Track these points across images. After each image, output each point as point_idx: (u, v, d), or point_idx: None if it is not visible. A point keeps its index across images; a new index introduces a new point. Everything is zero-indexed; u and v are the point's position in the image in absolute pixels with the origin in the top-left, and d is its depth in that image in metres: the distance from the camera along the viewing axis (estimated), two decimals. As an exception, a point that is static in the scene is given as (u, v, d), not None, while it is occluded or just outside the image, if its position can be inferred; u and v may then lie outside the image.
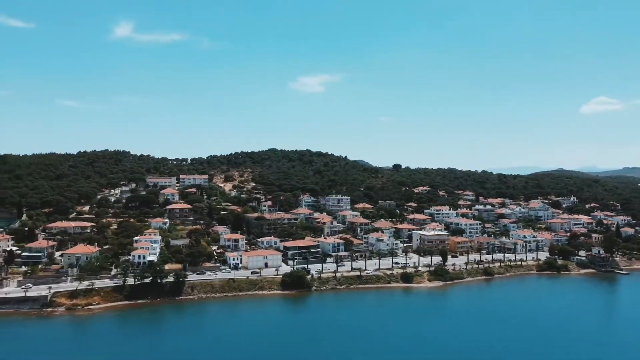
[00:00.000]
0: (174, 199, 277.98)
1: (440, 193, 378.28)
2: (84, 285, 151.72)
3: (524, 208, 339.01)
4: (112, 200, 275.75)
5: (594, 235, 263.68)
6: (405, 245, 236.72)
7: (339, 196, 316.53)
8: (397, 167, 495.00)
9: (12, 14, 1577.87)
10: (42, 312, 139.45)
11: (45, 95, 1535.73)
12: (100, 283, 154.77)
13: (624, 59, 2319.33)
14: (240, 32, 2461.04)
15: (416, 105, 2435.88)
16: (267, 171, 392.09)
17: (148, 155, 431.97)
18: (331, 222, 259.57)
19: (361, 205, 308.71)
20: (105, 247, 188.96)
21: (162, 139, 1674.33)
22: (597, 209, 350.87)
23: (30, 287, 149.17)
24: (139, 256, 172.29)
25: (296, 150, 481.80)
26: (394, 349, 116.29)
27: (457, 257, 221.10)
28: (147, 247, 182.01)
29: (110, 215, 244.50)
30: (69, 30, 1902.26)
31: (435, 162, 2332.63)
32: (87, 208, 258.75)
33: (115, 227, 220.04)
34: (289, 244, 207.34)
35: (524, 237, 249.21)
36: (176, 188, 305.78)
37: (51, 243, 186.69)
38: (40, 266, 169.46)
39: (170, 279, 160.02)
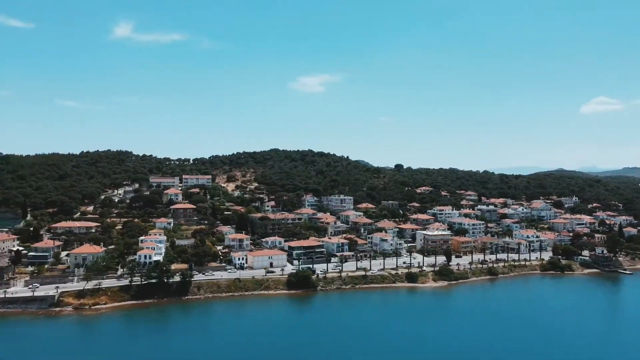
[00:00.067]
0: (177, 199, 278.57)
1: (443, 193, 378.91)
2: (91, 285, 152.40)
3: (526, 208, 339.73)
4: (116, 200, 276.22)
5: (596, 235, 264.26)
6: (408, 245, 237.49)
7: (341, 196, 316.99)
8: (399, 167, 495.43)
9: (12, 14, 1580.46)
10: (50, 311, 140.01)
11: (45, 95, 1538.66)
12: (106, 283, 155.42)
13: (624, 59, 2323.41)
14: (240, 32, 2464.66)
15: (416, 105, 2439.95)
16: (270, 171, 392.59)
17: (150, 156, 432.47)
18: (335, 222, 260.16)
19: (364, 205, 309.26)
20: (110, 247, 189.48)
21: (163, 139, 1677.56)
22: (599, 209, 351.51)
23: (38, 287, 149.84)
24: (145, 256, 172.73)
25: (298, 150, 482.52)
26: (396, 349, 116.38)
27: (460, 257, 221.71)
28: (153, 247, 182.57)
29: (114, 215, 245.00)
30: (68, 30, 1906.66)
31: (435, 162, 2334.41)
32: (91, 208, 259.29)
33: (120, 227, 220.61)
34: (293, 244, 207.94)
35: (527, 237, 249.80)
36: (179, 188, 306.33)
37: (57, 243, 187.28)
38: (46, 266, 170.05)
39: (177, 278, 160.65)
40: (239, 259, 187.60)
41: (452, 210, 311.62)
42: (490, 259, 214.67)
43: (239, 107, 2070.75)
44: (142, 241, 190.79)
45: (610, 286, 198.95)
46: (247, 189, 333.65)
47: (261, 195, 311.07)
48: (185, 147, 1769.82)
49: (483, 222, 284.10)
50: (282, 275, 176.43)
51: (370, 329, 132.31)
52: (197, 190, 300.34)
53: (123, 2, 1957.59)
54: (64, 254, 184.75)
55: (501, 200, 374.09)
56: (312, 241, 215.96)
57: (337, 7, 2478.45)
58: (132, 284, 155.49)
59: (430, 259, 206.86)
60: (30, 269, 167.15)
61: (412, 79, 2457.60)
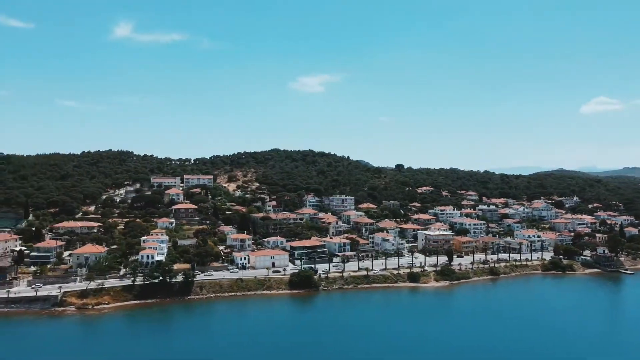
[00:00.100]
0: (179, 199, 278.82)
1: (444, 193, 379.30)
2: (93, 285, 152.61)
3: (527, 208, 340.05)
4: (118, 200, 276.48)
5: (597, 235, 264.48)
6: (410, 245, 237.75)
7: (343, 196, 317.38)
8: (399, 167, 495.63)
9: (12, 14, 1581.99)
10: (53, 311, 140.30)
11: (45, 96, 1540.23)
12: (109, 283, 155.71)
13: (624, 59, 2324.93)
14: (240, 32, 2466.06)
15: (416, 105, 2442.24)
16: (271, 171, 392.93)
17: (151, 156, 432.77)
18: (336, 222, 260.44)
19: (365, 205, 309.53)
20: (112, 247, 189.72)
21: (163, 139, 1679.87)
22: (600, 209, 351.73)
23: (40, 287, 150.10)
24: (148, 256, 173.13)
25: (299, 150, 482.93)
26: (398, 350, 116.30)
27: (462, 257, 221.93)
28: (155, 247, 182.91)
29: (116, 215, 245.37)
30: (68, 30, 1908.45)
31: (435, 162, 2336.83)
32: (92, 208, 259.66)
33: (122, 227, 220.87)
34: (295, 243, 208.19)
35: (529, 237, 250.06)
36: (181, 188, 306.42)
37: (59, 243, 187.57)
38: (49, 266, 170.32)
39: (179, 278, 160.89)
40: (241, 258, 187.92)
41: (454, 210, 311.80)
42: (491, 259, 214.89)
43: (239, 107, 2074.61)
44: (144, 241, 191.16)
45: (612, 286, 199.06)
46: (249, 189, 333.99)
47: (262, 195, 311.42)
48: (186, 147, 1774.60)
49: (484, 222, 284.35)
50: (285, 275, 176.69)
51: (372, 329, 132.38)
52: (198, 190, 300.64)
53: (123, 2, 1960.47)
54: (66, 254, 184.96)
55: (502, 200, 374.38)
56: (314, 241, 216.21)
57: (337, 7, 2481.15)
58: (135, 283, 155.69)
59: (432, 259, 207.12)
60: (32, 268, 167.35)
61: (412, 79, 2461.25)
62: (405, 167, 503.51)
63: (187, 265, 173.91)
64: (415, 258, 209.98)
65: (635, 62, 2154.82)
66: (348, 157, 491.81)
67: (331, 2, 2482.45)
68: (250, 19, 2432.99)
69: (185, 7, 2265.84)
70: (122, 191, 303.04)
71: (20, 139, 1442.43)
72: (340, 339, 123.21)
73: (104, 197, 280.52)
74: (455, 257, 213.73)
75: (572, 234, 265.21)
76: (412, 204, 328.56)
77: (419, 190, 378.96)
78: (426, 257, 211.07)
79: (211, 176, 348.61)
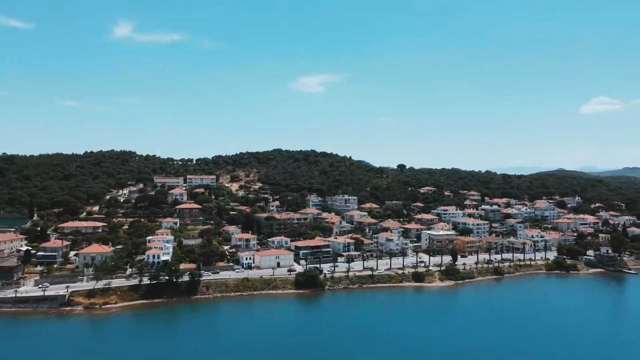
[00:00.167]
0: (182, 199, 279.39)
1: (446, 193, 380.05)
2: (100, 284, 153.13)
3: (529, 208, 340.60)
4: (121, 200, 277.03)
5: (600, 235, 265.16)
6: (414, 245, 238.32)
7: (346, 196, 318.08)
8: (401, 167, 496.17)
9: (12, 14, 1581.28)
10: (61, 311, 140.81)
11: (45, 96, 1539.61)
12: (116, 282, 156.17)
13: (624, 59, 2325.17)
14: (240, 32, 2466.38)
15: (416, 105, 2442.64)
16: (273, 171, 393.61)
17: (154, 156, 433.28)
18: (340, 222, 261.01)
19: (368, 205, 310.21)
20: (118, 247, 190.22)
21: (163, 139, 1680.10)
22: (602, 209, 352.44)
23: (47, 287, 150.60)
24: (153, 256, 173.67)
25: (301, 150, 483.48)
26: (402, 350, 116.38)
27: (466, 256, 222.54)
28: (161, 247, 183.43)
29: (120, 215, 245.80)
30: (68, 31, 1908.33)
31: (435, 162, 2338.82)
32: (96, 208, 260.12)
33: (127, 227, 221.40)
34: (300, 243, 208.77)
35: (532, 236, 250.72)
36: (184, 188, 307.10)
37: (65, 243, 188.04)
38: (55, 266, 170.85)
39: (186, 278, 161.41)
40: (246, 258, 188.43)
41: (456, 210, 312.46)
42: (495, 259, 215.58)
43: (239, 107, 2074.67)
44: (149, 241, 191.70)
45: (615, 286, 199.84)
46: (251, 189, 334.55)
47: (266, 195, 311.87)
48: (186, 147, 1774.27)
49: (487, 222, 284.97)
50: (290, 274, 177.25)
51: (377, 329, 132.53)
52: (201, 190, 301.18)
53: (123, 2, 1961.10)
54: (72, 253, 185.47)
55: (504, 200, 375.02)
56: (318, 241, 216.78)
57: (337, 7, 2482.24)
58: (142, 283, 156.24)
59: (436, 259, 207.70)
60: (39, 268, 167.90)
61: (412, 79, 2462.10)
62: (406, 167, 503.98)
63: (192, 265, 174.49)
64: (420, 258, 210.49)
65: (635, 62, 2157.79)
66: (350, 157, 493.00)
67: (331, 2, 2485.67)
68: (250, 19, 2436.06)
69: (185, 7, 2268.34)
70: (125, 191, 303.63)
71: (21, 139, 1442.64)
72: (346, 339, 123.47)
73: (108, 197, 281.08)
74: (459, 257, 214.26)
75: (575, 234, 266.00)
76: (415, 204, 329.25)
77: (422, 190, 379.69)
78: (430, 257, 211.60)
79: (214, 176, 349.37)
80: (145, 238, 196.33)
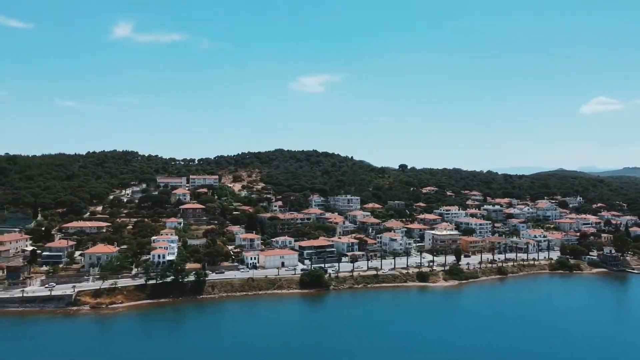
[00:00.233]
0: (185, 199, 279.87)
1: (448, 193, 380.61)
2: (107, 284, 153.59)
3: (532, 208, 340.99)
4: (125, 200, 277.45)
5: (603, 235, 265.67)
6: (417, 245, 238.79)
7: (348, 196, 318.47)
8: (403, 167, 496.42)
9: (11, 14, 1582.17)
10: (68, 310, 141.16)
11: (45, 96, 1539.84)
12: (121, 282, 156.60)
13: (624, 59, 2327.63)
14: (240, 32, 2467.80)
15: (416, 105, 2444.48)
16: (275, 171, 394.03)
17: (156, 156, 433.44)
18: (343, 222, 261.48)
19: (370, 205, 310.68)
20: (123, 247, 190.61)
21: (163, 139, 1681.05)
22: (604, 209, 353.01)
23: (54, 286, 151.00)
24: (159, 255, 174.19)
25: (303, 150, 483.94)
26: (406, 350, 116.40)
27: (469, 256, 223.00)
28: (166, 246, 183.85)
29: (124, 215, 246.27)
30: (68, 31, 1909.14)
31: (436, 162, 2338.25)
32: (100, 208, 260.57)
33: (131, 227, 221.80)
34: (304, 243, 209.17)
35: (535, 236, 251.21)
36: (187, 188, 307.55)
37: (70, 243, 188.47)
38: (61, 265, 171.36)
39: (191, 278, 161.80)
40: (251, 258, 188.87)
41: (459, 210, 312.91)
42: (499, 259, 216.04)
43: (239, 107, 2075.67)
44: (154, 241, 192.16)
45: (619, 285, 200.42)
46: (254, 189, 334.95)
47: (268, 196, 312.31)
48: (187, 147, 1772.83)
49: (490, 222, 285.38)
50: (295, 274, 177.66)
51: (381, 329, 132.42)
52: (204, 190, 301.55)
53: (123, 2, 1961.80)
54: (77, 253, 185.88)
55: (506, 200, 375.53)
56: (322, 241, 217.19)
57: (337, 7, 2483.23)
58: (148, 283, 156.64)
59: (440, 259, 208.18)
60: (45, 268, 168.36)
61: (412, 79, 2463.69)
62: (407, 167, 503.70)
63: (197, 265, 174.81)
64: (423, 258, 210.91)
65: (635, 62, 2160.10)
66: (352, 157, 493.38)
67: (331, 2, 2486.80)
68: (250, 19, 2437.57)
69: (185, 7, 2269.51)
70: (128, 191, 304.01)
71: (21, 139, 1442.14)
72: (351, 339, 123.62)
73: (111, 197, 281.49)
74: (462, 256, 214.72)
75: (578, 234, 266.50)
76: (417, 204, 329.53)
77: (424, 191, 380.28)
78: (434, 257, 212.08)
79: (217, 176, 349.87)
80: (150, 238, 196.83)
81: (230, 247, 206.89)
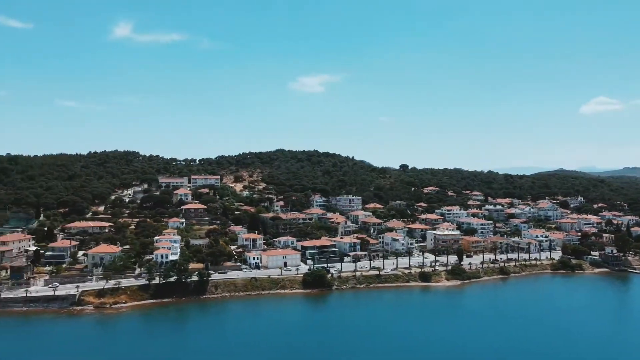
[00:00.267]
0: (187, 199, 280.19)
1: (449, 193, 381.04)
2: (110, 284, 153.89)
3: (533, 208, 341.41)
4: (127, 200, 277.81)
5: (604, 235, 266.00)
6: (419, 245, 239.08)
7: (350, 196, 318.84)
8: (404, 167, 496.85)
9: (11, 14, 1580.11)
10: (72, 310, 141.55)
11: (45, 96, 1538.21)
12: (125, 282, 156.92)
13: (624, 59, 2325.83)
14: (240, 32, 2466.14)
15: (416, 105, 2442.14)
16: (277, 171, 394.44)
17: (157, 156, 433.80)
18: (345, 222, 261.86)
19: (372, 205, 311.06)
20: (125, 247, 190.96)
21: (163, 139, 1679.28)
22: (605, 209, 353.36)
23: (57, 286, 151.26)
24: (162, 255, 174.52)
25: (304, 150, 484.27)
26: (406, 350, 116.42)
27: (471, 256, 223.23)
28: (169, 246, 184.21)
29: (126, 215, 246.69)
30: (68, 30, 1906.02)
31: (436, 162, 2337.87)
32: (102, 208, 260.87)
33: (133, 227, 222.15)
34: (306, 243, 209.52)
35: (537, 236, 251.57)
36: (188, 188, 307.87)
37: (73, 243, 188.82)
38: (64, 265, 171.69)
39: (195, 278, 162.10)
40: (253, 258, 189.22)
41: (460, 210, 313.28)
42: (501, 259, 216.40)
43: (239, 107, 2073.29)
44: (157, 241, 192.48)
45: (620, 285, 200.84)
46: (255, 189, 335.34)
47: (270, 196, 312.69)
48: (187, 147, 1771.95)
49: (491, 222, 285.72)
50: (298, 274, 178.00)
51: (384, 329, 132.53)
52: (206, 190, 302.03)
53: (123, 2, 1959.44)
54: (80, 253, 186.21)
55: (507, 200, 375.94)
56: (324, 241, 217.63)
57: (337, 7, 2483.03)
58: (151, 283, 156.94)
59: (442, 259, 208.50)
60: (48, 268, 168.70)
61: (412, 79, 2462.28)
62: (408, 167, 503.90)
63: (200, 265, 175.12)
64: (425, 258, 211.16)
65: (635, 62, 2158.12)
66: (353, 157, 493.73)
67: (331, 2, 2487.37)
68: (250, 19, 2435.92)
69: (185, 7, 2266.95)
70: (130, 191, 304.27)
71: (21, 139, 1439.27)
72: (353, 339, 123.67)
73: (113, 197, 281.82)
74: (464, 256, 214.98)
75: (579, 234, 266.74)
76: (419, 204, 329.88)
77: (425, 191, 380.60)
78: (436, 257, 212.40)
79: (218, 176, 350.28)
80: (152, 238, 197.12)
81: (232, 247, 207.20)
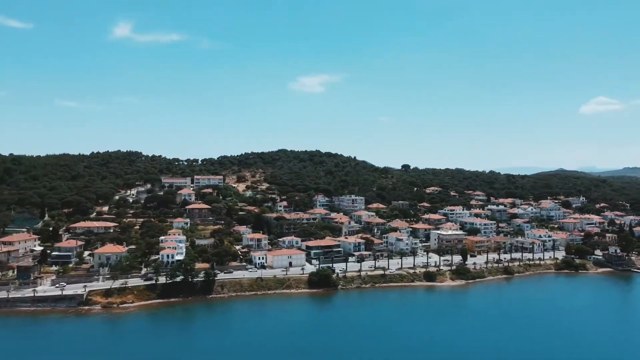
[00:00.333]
0: (191, 199, 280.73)
1: (452, 193, 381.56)
2: (117, 284, 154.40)
3: (535, 208, 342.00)
4: (131, 200, 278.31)
5: (607, 234, 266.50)
6: (423, 245, 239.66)
7: (353, 196, 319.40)
8: (406, 167, 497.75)
9: (11, 15, 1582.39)
10: (79, 310, 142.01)
11: (45, 96, 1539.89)
12: (132, 282, 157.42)
13: (624, 59, 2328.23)
14: (240, 32, 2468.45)
15: (416, 105, 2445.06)
16: (279, 172, 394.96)
17: (160, 156, 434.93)
18: (349, 222, 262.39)
19: (375, 205, 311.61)
20: (131, 247, 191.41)
21: (163, 139, 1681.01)
22: (607, 209, 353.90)
23: (64, 286, 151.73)
24: (168, 255, 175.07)
25: (306, 150, 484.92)
26: (410, 350, 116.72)
27: (475, 256, 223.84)
28: (174, 246, 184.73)
29: (130, 215, 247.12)
30: (68, 30, 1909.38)
31: (436, 162, 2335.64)
32: (106, 208, 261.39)
33: (138, 227, 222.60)
34: (311, 243, 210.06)
35: (540, 236, 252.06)
36: (191, 188, 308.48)
37: (79, 243, 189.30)
38: (71, 265, 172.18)
39: (201, 278, 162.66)
40: (259, 258, 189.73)
41: (463, 210, 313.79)
42: (504, 259, 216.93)
43: (239, 107, 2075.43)
44: (162, 241, 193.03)
45: (624, 285, 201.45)
46: (258, 189, 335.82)
47: (273, 196, 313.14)
48: (188, 147, 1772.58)
49: (494, 222, 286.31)
50: (303, 274, 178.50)
51: (389, 329, 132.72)
52: (209, 190, 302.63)
53: (123, 2, 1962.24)
54: (86, 253, 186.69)
55: (509, 200, 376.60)
56: (329, 241, 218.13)
57: (337, 7, 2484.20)
58: (158, 283, 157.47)
59: (446, 259, 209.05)
60: (54, 268, 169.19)
61: (412, 79, 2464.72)
62: (409, 167, 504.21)
63: (206, 265, 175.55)
64: (430, 257, 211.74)
65: (635, 62, 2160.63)
66: (354, 157, 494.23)
67: (331, 2, 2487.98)
68: (250, 19, 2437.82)
69: (185, 7, 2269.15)
70: (133, 191, 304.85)
71: (21, 139, 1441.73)
72: (358, 339, 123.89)
73: (117, 197, 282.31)
74: (468, 256, 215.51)
75: (582, 234, 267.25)
76: (421, 204, 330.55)
77: (427, 191, 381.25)
78: (440, 257, 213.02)
79: (221, 176, 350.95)
80: (158, 238, 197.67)
81: (237, 247, 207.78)
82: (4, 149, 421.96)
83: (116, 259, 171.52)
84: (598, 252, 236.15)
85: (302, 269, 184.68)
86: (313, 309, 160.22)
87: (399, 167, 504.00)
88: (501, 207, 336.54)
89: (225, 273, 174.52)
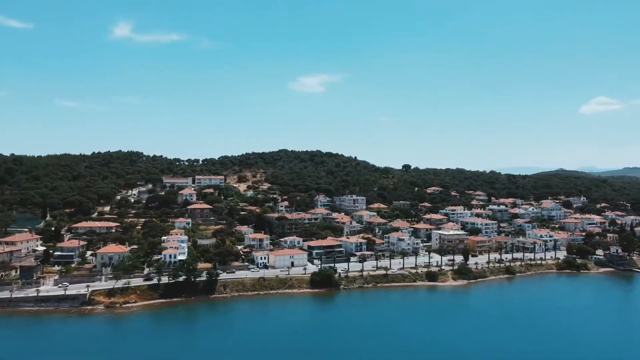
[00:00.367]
0: (192, 199, 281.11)
1: (452, 193, 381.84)
2: (120, 284, 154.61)
3: (536, 208, 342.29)
4: (132, 200, 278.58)
5: (608, 234, 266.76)
6: (424, 244, 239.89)
7: (354, 196, 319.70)
8: (406, 167, 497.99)
9: (11, 15, 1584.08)
10: (82, 310, 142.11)
11: (45, 96, 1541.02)
12: (134, 282, 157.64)
13: (624, 59, 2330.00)
14: (240, 32, 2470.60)
15: (416, 105, 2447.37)
16: (280, 172, 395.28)
17: (161, 156, 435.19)
18: (350, 222, 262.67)
19: (376, 205, 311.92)
20: (133, 247, 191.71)
21: (163, 139, 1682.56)
22: (608, 208, 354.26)
23: (67, 286, 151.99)
24: (170, 255, 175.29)
25: (307, 150, 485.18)
26: (412, 350, 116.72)
27: (476, 256, 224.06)
28: (177, 246, 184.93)
29: (132, 215, 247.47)
30: (68, 30, 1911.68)
31: (436, 162, 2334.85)
32: (107, 208, 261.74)
33: (140, 227, 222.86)
34: (313, 243, 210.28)
35: (541, 236, 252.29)
36: (193, 188, 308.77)
37: (81, 243, 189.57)
38: (73, 265, 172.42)
39: (203, 277, 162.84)
40: (261, 258, 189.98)
41: (464, 210, 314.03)
42: (506, 258, 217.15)
43: (239, 107, 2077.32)
44: (164, 241, 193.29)
45: (626, 285, 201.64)
46: (260, 190, 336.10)
47: (274, 196, 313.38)
48: (188, 147, 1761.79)
49: (495, 222, 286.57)
50: (305, 274, 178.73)
51: (391, 329, 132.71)
52: (210, 190, 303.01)
53: (123, 2, 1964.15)
54: (88, 253, 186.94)
55: (510, 200, 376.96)
56: (330, 241, 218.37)
57: (337, 7, 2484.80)
58: (160, 282, 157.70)
59: (448, 258, 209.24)
60: (57, 268, 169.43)
61: (412, 79, 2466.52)
62: (410, 167, 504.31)
63: (208, 265, 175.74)
64: (431, 257, 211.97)
65: (635, 62, 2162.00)
66: (355, 157, 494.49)
67: (331, 2, 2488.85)
68: (250, 19, 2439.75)
69: (185, 7, 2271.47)
70: (135, 191, 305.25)
71: (21, 139, 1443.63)
72: (360, 339, 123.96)
73: (118, 197, 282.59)
74: (470, 256, 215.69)
75: (583, 234, 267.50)
76: (422, 204, 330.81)
77: (428, 191, 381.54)
78: (442, 257, 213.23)
79: (222, 177, 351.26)
80: (160, 238, 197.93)
81: (239, 247, 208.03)
82: (4, 149, 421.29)
83: (119, 258, 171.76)
84: (599, 252, 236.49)
85: (304, 269, 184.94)
86: (315, 309, 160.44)
87: (400, 167, 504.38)
88: (502, 207, 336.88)
89: (227, 273, 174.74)
